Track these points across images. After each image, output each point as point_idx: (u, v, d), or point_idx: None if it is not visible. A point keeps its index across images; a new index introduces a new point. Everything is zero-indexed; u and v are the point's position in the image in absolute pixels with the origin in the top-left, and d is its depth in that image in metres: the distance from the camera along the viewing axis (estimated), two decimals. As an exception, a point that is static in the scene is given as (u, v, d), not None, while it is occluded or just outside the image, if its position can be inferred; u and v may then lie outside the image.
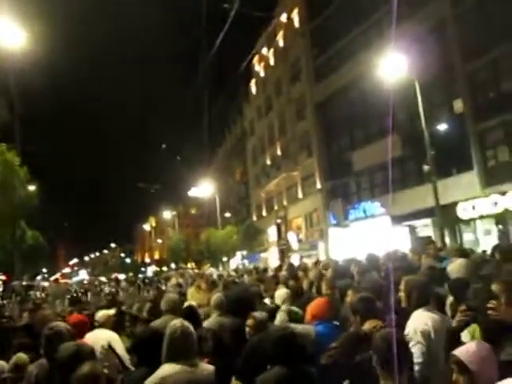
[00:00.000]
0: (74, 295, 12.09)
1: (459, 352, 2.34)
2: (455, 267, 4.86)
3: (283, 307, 4.86)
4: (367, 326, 3.64)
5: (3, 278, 44.91)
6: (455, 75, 21.33)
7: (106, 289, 25.02)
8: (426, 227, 22.94)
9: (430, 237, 20.74)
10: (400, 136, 23.64)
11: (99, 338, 4.85)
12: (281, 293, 5.59)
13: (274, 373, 3.07)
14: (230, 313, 4.79)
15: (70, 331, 4.02)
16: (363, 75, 24.99)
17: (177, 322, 3.33)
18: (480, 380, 2.22)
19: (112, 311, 5.83)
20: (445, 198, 17.89)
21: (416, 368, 3.28)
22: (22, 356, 4.32)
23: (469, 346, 2.40)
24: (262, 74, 46.03)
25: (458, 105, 21.57)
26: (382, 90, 19.48)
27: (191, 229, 76.52)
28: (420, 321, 3.39)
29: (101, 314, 5.48)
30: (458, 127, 21.15)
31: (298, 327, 3.94)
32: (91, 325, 5.38)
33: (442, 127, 21.76)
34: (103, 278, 66.19)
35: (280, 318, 4.68)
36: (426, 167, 18.03)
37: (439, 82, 21.69)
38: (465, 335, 3.04)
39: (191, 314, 4.51)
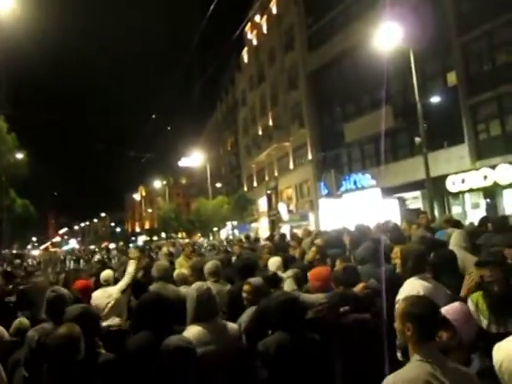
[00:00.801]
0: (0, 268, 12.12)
1: (445, 311, 2.51)
2: (456, 237, 4.91)
3: (288, 273, 4.83)
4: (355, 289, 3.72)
5: (-8, 246, 44.79)
6: (450, 47, 21.11)
7: (97, 256, 25.13)
8: (415, 199, 23.16)
9: (419, 209, 21.02)
10: (392, 108, 23.53)
11: (109, 293, 5.35)
12: (274, 260, 5.63)
13: (274, 338, 3.12)
14: (238, 278, 4.88)
15: (71, 296, 4.07)
16: (357, 45, 24.63)
17: (203, 284, 3.50)
18: (461, 335, 2.42)
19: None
20: (435, 170, 17.96)
21: None
22: (23, 320, 4.34)
23: (453, 305, 2.60)
24: (254, 42, 45.17)
25: (452, 77, 21.46)
26: (376, 61, 19.28)
27: (182, 198, 76.66)
28: (412, 288, 3.44)
29: (105, 274, 5.80)
30: (451, 100, 21.07)
31: (311, 297, 3.99)
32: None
33: (435, 100, 21.67)
34: (93, 247, 66.43)
35: (288, 286, 4.66)
36: (417, 139, 18.04)
37: (433, 53, 21.44)
38: (468, 304, 3.11)
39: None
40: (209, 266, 5.24)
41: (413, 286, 3.47)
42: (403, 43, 16.35)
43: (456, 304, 2.63)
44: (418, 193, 22.29)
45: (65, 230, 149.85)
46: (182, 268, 7.33)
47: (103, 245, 71.83)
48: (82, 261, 21.37)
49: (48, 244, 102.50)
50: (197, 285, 3.46)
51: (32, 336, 3.64)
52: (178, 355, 2.71)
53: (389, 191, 23.81)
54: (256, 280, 4.13)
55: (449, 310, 2.54)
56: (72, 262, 21.93)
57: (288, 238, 10.86)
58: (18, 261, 26.27)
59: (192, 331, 3.11)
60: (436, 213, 18.01)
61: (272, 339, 3.12)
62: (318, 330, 3.26)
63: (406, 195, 23.69)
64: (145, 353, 2.89)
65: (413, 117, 18.02)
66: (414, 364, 2.12)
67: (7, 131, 19.58)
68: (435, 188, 17.91)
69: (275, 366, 2.99)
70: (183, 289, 5.02)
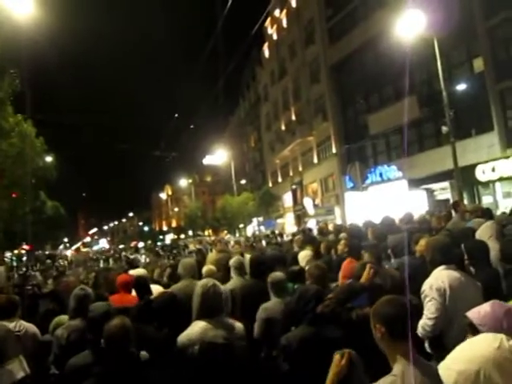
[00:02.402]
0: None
1: (471, 314, 2.26)
2: (484, 229, 4.83)
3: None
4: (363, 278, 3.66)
5: (26, 247, 46.27)
6: (475, 33, 20.52)
7: (125, 255, 25.58)
8: (444, 190, 22.68)
9: (448, 200, 20.58)
10: (417, 97, 23.08)
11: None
12: (304, 254, 5.61)
13: (297, 332, 3.11)
14: (253, 274, 4.89)
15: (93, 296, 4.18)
16: (379, 35, 24.19)
17: (208, 280, 3.47)
18: None
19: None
20: (463, 160, 17.54)
21: (430, 323, 3.35)
22: (63, 318, 4.43)
23: (482, 308, 2.28)
24: (274, 36, 45.00)
25: (478, 63, 20.87)
26: (399, 50, 18.89)
27: (207, 196, 77.21)
28: (437, 278, 3.44)
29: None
30: (478, 86, 20.50)
31: None
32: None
33: (462, 87, 21.12)
34: (122, 246, 67.70)
35: None
36: (444, 128, 17.60)
37: (458, 39, 20.85)
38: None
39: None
40: (233, 260, 5.29)
41: (437, 277, 3.46)
42: (427, 31, 15.96)
43: (485, 306, 2.29)
44: (446, 183, 21.81)
45: (94, 230, 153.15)
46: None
47: (132, 244, 73.11)
48: (111, 260, 21.84)
49: (79, 244, 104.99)
50: (202, 281, 3.47)
51: (61, 334, 3.69)
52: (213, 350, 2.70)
53: (416, 183, 23.38)
54: (279, 274, 4.15)
55: (476, 313, 2.25)
56: (102, 262, 22.40)
57: (315, 232, 10.84)
58: (48, 261, 27.05)
59: (197, 327, 3.12)
60: (466, 203, 17.58)
61: (295, 333, 3.11)
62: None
63: (433, 186, 23.21)
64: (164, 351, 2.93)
65: (438, 106, 17.62)
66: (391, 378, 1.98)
67: (35, 135, 20.06)
68: (464, 178, 17.47)
69: (297, 359, 2.97)
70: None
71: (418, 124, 23.66)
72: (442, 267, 3.53)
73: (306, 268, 4.62)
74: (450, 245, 3.77)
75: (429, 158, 22.68)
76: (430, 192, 23.48)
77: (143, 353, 3.08)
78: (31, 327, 4.48)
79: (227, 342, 2.85)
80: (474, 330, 2.17)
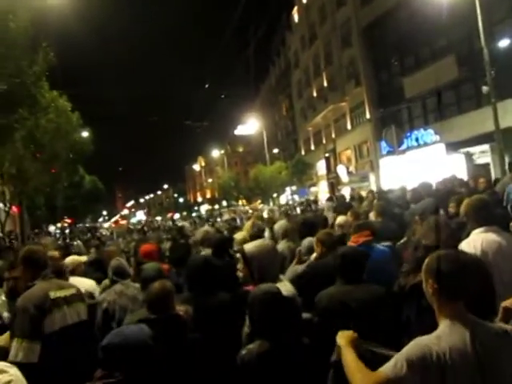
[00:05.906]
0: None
1: None
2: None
3: None
4: None
5: (68, 221, 48.19)
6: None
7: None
8: (483, 154, 21.86)
9: (488, 164, 19.86)
10: (456, 57, 22.07)
11: None
12: (341, 220, 5.59)
13: (328, 291, 3.15)
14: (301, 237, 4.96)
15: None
16: (414, -8, 23.09)
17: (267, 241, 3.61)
18: None
19: None
20: (505, 121, 16.76)
21: None
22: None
23: None
24: (304, 0, 43.69)
25: (522, 17, 19.68)
26: (436, 7, 18.01)
27: (240, 166, 77.49)
28: (469, 243, 3.19)
29: None
30: (522, 42, 19.39)
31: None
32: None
33: (504, 44, 19.99)
34: (159, 218, 69.41)
35: None
36: (484, 89, 16.83)
37: (501, -8, 19.69)
38: None
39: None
40: (279, 225, 5.37)
41: (470, 241, 3.21)
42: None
43: None
44: (486, 146, 20.99)
45: (131, 202, 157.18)
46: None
47: (168, 215, 74.83)
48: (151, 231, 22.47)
49: (117, 217, 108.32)
50: (260, 242, 3.48)
51: (103, 298, 3.93)
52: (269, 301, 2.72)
53: (454, 146, 22.63)
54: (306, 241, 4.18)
55: None
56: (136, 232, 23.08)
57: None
58: (89, 235, 28.17)
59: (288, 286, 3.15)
60: (507, 167, 16.93)
61: (327, 291, 3.14)
62: None
63: (472, 149, 22.40)
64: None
65: (479, 64, 16.81)
66: (443, 330, 1.85)
67: (71, 110, 20.39)
68: (506, 140, 16.75)
69: (325, 316, 3.03)
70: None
71: (456, 85, 22.73)
72: (480, 229, 3.26)
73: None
74: (490, 204, 3.47)
75: (467, 120, 21.84)
76: (469, 156, 22.71)
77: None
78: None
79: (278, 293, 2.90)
80: None
